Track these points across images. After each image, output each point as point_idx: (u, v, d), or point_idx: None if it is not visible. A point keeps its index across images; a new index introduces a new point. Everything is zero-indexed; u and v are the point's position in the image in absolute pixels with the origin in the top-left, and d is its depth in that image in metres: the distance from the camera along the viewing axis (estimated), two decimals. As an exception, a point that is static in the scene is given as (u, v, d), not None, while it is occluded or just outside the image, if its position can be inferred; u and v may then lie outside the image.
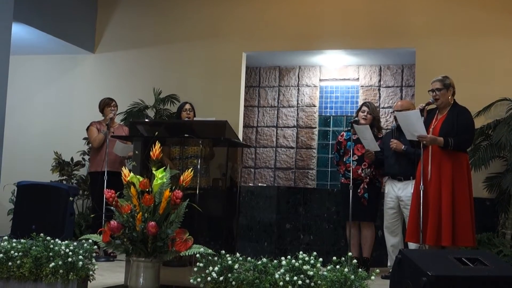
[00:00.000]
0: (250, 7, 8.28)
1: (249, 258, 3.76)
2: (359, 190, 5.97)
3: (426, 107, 5.36)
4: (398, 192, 5.83)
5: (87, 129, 6.95)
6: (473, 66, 7.28)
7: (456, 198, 5.06)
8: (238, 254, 3.82)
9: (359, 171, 6.03)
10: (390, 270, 5.01)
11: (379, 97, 8.71)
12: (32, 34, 8.01)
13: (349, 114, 8.81)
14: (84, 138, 8.09)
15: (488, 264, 3.61)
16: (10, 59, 6.66)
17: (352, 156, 6.04)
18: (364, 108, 6.18)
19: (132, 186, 3.91)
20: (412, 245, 5.53)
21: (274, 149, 9.08)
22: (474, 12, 7.42)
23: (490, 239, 6.45)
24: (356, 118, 6.19)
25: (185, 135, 4.71)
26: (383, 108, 8.48)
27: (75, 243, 4.19)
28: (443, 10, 7.56)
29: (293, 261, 3.59)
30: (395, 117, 5.86)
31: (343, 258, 3.58)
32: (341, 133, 6.42)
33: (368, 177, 6.02)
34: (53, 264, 4.03)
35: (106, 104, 6.87)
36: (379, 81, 8.76)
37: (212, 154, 4.94)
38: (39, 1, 7.86)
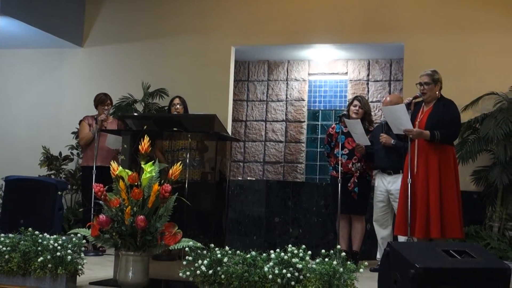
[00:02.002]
0: (239, 1, 8.26)
1: (238, 252, 3.77)
2: (349, 184, 5.99)
3: (413, 100, 5.39)
4: (388, 185, 5.86)
5: (80, 122, 6.90)
6: (461, 60, 7.31)
7: (443, 191, 5.10)
8: (227, 248, 3.83)
9: (350, 165, 6.04)
10: (379, 263, 5.04)
11: (368, 91, 8.74)
12: (19, 28, 7.95)
13: (338, 108, 8.83)
14: (73, 133, 8.06)
15: (476, 256, 3.64)
16: (-2, 53, 6.62)
17: (343, 149, 6.05)
18: (356, 102, 6.19)
19: (120, 180, 3.90)
20: (401, 238, 5.56)
21: (263, 143, 9.09)
22: (462, 7, 7.45)
23: (478, 232, 6.50)
24: (345, 113, 6.21)
25: (174, 128, 4.71)
26: (371, 102, 8.49)
27: (63, 238, 4.18)
28: (431, 5, 7.58)
29: (282, 254, 3.61)
30: None
31: (332, 251, 3.60)
32: (332, 126, 6.43)
33: (358, 171, 6.04)
34: (41, 258, 4.03)
35: (100, 102, 6.76)
36: (368, 75, 8.79)
37: (206, 147, 4.94)
38: (27, -6, 7.81)
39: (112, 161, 4.02)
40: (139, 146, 3.98)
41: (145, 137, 4.00)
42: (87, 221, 4.92)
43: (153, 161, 4.00)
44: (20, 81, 9.01)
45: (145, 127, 4.48)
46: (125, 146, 4.76)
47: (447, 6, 7.51)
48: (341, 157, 5.99)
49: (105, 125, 6.65)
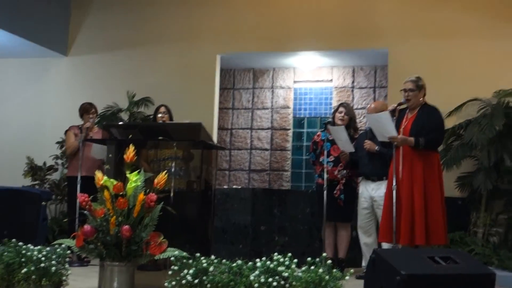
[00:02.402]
0: (224, 10, 8.27)
1: (224, 260, 3.76)
2: (335, 192, 6.00)
3: (398, 107, 5.42)
4: (372, 192, 5.88)
5: (65, 133, 6.86)
6: (444, 66, 7.36)
7: (428, 197, 5.12)
8: (213, 257, 3.82)
9: (335, 172, 6.05)
10: (365, 270, 5.05)
11: (353, 98, 8.77)
12: (3, 37, 7.91)
13: (323, 116, 8.85)
14: (57, 142, 8.01)
15: (460, 262, 3.65)
16: (-19, 63, 6.58)
17: (328, 157, 6.06)
18: (341, 109, 6.21)
19: (105, 190, 3.88)
20: (385, 245, 5.57)
21: (248, 151, 9.09)
22: (445, 13, 7.51)
23: (462, 238, 6.52)
24: (330, 120, 6.22)
25: (160, 137, 4.70)
26: (356, 109, 8.52)
27: (48, 248, 4.15)
28: (415, 11, 7.64)
29: (268, 262, 3.61)
30: None
31: (317, 259, 3.60)
32: (317, 133, 6.44)
33: (344, 178, 6.05)
34: (25, 270, 4.00)
35: (85, 111, 6.72)
36: (353, 82, 8.82)
37: (191, 156, 4.93)
38: (11, 3, 7.76)
39: (97, 171, 4.00)
40: (124, 156, 3.96)
41: (130, 146, 3.99)
42: (72, 232, 4.90)
43: (138, 170, 3.98)
44: (4, 90, 8.95)
45: (130, 136, 4.47)
46: (110, 155, 4.74)
47: (431, 13, 7.56)
48: (326, 164, 6.00)
49: (91, 135, 6.61)
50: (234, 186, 8.64)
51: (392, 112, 5.35)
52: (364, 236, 5.97)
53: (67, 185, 6.96)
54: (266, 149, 9.02)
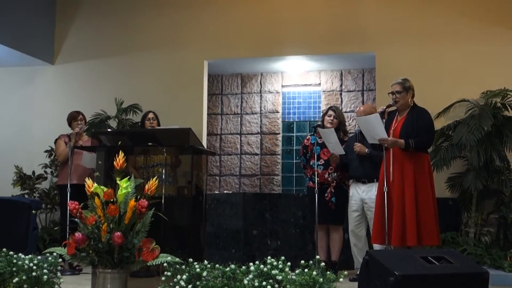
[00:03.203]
0: (210, 15, 8.27)
1: (217, 265, 3.74)
2: (326, 194, 6.01)
3: (387, 109, 5.43)
4: (362, 194, 5.88)
5: (55, 142, 6.83)
6: (432, 68, 7.40)
7: (419, 198, 5.14)
8: (206, 262, 3.80)
9: (326, 175, 6.06)
10: (358, 273, 5.04)
11: (341, 101, 8.79)
12: (-12, 47, 7.87)
13: (312, 119, 8.86)
14: (46, 151, 7.96)
15: (454, 262, 3.66)
16: (-33, 72, 6.53)
17: (318, 160, 6.07)
18: (331, 112, 6.23)
19: (96, 197, 3.85)
20: (377, 247, 5.57)
21: (238, 156, 9.08)
22: (432, 16, 7.56)
23: (454, 238, 6.54)
24: (320, 123, 6.23)
25: (149, 143, 4.67)
26: (345, 112, 8.53)
27: (39, 257, 4.11)
28: (401, 14, 7.68)
29: (262, 266, 3.59)
30: None
31: (311, 262, 3.59)
32: (307, 137, 6.44)
33: (335, 181, 6.06)
34: (16, 279, 3.96)
35: (72, 118, 6.74)
36: (341, 85, 8.84)
37: (179, 162, 4.92)
38: (-5, 13, 7.72)
39: (87, 178, 3.97)
40: (114, 162, 3.94)
41: (120, 152, 3.97)
42: (64, 240, 4.86)
43: (128, 177, 3.96)
44: (-9, 100, 8.88)
45: (119, 142, 4.45)
46: (99, 162, 4.71)
47: (417, 15, 7.61)
48: (317, 167, 6.00)
49: (80, 143, 6.58)
50: (225, 191, 8.62)
51: (381, 114, 5.36)
52: (355, 238, 5.97)
53: (59, 194, 6.92)
54: (256, 154, 9.01)
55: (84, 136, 6.83)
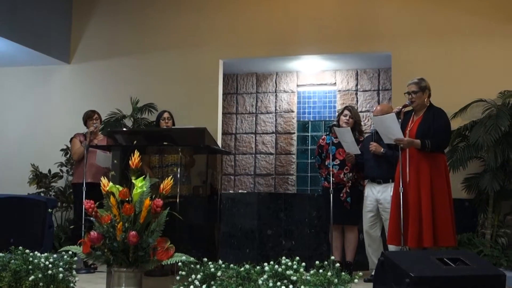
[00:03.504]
0: (226, 15, 8.27)
1: (231, 265, 3.73)
2: (341, 194, 5.98)
3: (403, 109, 5.39)
4: (377, 194, 5.85)
5: (71, 140, 6.87)
6: (448, 68, 7.35)
7: (435, 199, 5.09)
8: (220, 262, 3.80)
9: (341, 175, 6.04)
10: (372, 273, 5.02)
11: (357, 101, 8.76)
12: (6, 46, 7.92)
13: (327, 119, 8.84)
14: (62, 150, 8.01)
15: (470, 264, 3.63)
16: (-15, 71, 6.58)
17: (334, 160, 6.05)
18: (346, 112, 6.20)
19: (111, 196, 3.86)
20: (392, 248, 5.54)
21: (253, 155, 9.07)
22: (448, 15, 7.50)
23: (470, 239, 6.49)
24: (335, 123, 6.21)
25: (165, 143, 4.68)
26: (361, 112, 8.50)
27: (55, 255, 4.13)
28: (417, 13, 7.63)
29: (276, 266, 3.58)
30: None
31: (326, 262, 3.58)
32: (322, 137, 6.42)
33: (350, 181, 6.03)
34: (32, 277, 3.97)
35: (88, 117, 6.79)
36: (356, 85, 8.81)
37: (193, 162, 4.92)
38: (13, 12, 7.77)
39: (102, 177, 3.98)
40: (130, 161, 3.94)
41: (135, 152, 3.97)
42: (77, 239, 4.88)
43: (143, 176, 3.96)
44: (8, 99, 8.95)
45: (135, 142, 4.46)
46: (115, 161, 4.73)
47: (433, 14, 7.56)
48: (332, 167, 5.98)
49: (95, 142, 6.62)
50: (240, 191, 8.62)
51: (397, 114, 5.32)
52: (369, 239, 5.93)
53: (73, 192, 6.95)
54: (271, 153, 9.00)
55: (99, 135, 6.86)
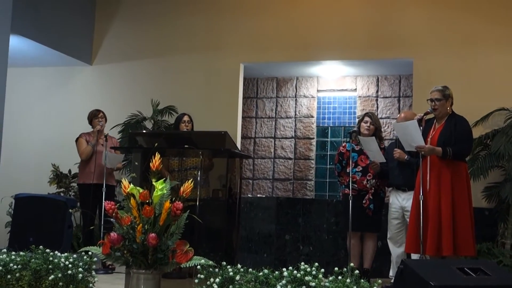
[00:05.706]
0: (247, 19, 8.29)
1: (250, 269, 3.73)
2: (364, 201, 5.94)
3: (424, 117, 5.36)
4: (403, 202, 5.79)
5: (76, 140, 6.85)
6: (470, 76, 7.30)
7: (456, 207, 5.05)
8: (239, 266, 3.80)
9: (364, 182, 5.99)
10: (392, 281, 4.99)
11: (377, 107, 8.72)
12: (29, 46, 8.00)
13: (347, 125, 8.81)
14: (82, 150, 8.06)
15: (491, 274, 3.60)
16: (8, 71, 6.64)
17: (356, 167, 6.02)
18: (367, 118, 6.15)
19: (132, 198, 3.88)
20: (414, 256, 5.49)
21: (272, 160, 9.07)
22: (470, 22, 7.45)
23: (490, 249, 6.42)
24: (356, 129, 6.18)
25: (185, 146, 4.69)
26: (381, 118, 8.47)
27: (74, 255, 4.16)
28: (440, 20, 7.59)
29: (295, 272, 3.57)
30: None
31: (344, 269, 3.56)
32: (343, 144, 6.37)
33: (373, 188, 5.99)
34: (52, 276, 4.01)
35: (93, 116, 6.81)
36: (377, 91, 8.77)
37: (211, 165, 4.92)
38: (37, 13, 7.86)
39: (111, 178, 4.00)
40: (150, 164, 3.96)
41: (156, 154, 3.99)
42: (89, 240, 4.91)
43: (164, 179, 3.98)
44: (30, 99, 9.04)
45: (156, 144, 4.48)
46: (136, 163, 4.75)
47: (455, 22, 7.51)
48: (354, 174, 5.95)
49: (101, 142, 6.64)
50: (258, 195, 8.62)
51: (419, 122, 5.28)
52: (395, 247, 5.87)
53: (79, 193, 6.87)
54: (290, 158, 8.99)
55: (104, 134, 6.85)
